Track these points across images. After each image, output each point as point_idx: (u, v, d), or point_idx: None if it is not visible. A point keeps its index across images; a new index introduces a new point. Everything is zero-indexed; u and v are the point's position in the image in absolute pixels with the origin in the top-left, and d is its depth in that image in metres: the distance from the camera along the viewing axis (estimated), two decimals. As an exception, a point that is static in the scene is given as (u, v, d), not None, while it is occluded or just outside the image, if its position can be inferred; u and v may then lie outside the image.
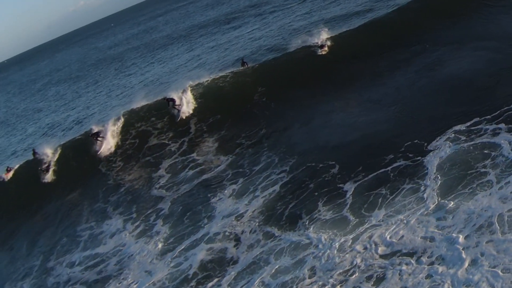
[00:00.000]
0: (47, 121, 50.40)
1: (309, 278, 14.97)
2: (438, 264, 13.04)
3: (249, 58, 37.68)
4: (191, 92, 31.44)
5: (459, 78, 21.95)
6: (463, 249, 13.08)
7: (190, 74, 39.96)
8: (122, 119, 32.27)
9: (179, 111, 29.72)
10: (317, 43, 29.79)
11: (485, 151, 16.60)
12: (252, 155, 25.48)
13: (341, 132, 22.71)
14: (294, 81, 28.43)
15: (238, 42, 48.24)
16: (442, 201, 15.33)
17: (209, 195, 23.64)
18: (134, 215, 25.36)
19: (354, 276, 14.12)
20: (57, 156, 32.09)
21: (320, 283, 14.52)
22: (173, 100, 30.15)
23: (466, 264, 12.55)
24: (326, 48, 28.97)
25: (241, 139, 27.54)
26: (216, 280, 17.53)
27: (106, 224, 25.87)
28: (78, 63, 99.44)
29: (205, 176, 25.66)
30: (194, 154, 28.47)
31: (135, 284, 19.51)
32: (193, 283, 17.98)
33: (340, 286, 14.08)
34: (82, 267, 22.92)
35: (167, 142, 29.94)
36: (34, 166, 31.93)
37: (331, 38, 30.25)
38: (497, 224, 13.32)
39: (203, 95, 31.23)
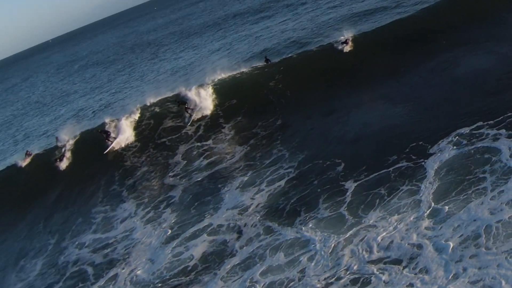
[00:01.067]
0: (79, 104, 51.03)
1: (299, 280, 14.76)
2: (422, 274, 12.68)
3: (275, 50, 37.35)
4: (212, 84, 31.00)
5: (470, 80, 21.39)
6: (446, 262, 12.73)
7: (219, 62, 39.69)
8: (142, 106, 32.23)
9: (191, 115, 29.30)
10: (341, 39, 29.12)
11: (485, 156, 16.19)
12: (265, 147, 25.33)
13: (352, 130, 22.39)
14: (314, 77, 28.01)
15: (268, 32, 47.87)
16: (435, 206, 14.97)
17: (219, 185, 23.60)
18: (146, 200, 25.52)
19: (341, 280, 13.84)
20: (77, 139, 32.29)
21: (304, 285, 14.42)
22: (184, 103, 29.66)
23: (449, 277, 12.11)
24: (350, 45, 28.35)
25: (257, 129, 27.43)
26: (212, 273, 17.51)
27: (119, 207, 26.11)
28: (116, 46, 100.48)
29: (217, 167, 25.66)
30: (210, 141, 28.50)
31: (137, 270, 19.64)
32: (190, 275, 17.98)
33: None
34: (91, 249, 23.18)
35: (183, 124, 29.89)
36: (53, 152, 32.16)
37: (355, 35, 29.66)
38: (483, 237, 12.90)
39: (225, 86, 30.96)
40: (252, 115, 28.17)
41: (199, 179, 25.23)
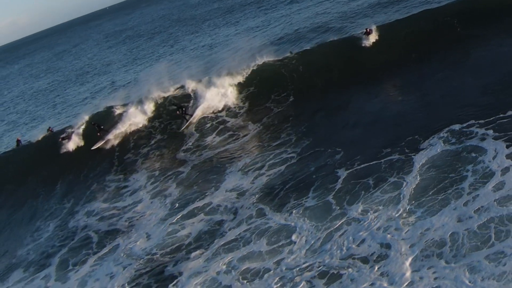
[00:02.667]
0: (118, 74, 51.16)
1: (273, 270, 14.60)
2: (383, 277, 12.30)
3: (305, 35, 35.95)
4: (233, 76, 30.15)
5: (478, 76, 20.56)
6: (407, 268, 12.34)
7: (251, 41, 39.03)
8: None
9: (187, 120, 27.93)
10: (364, 31, 27.37)
11: (471, 155, 15.68)
12: (275, 128, 25.08)
13: (357, 120, 21.87)
14: (333, 68, 27.04)
15: (302, 14, 46.54)
16: (411, 206, 14.51)
17: (226, 165, 23.49)
18: (157, 173, 25.70)
19: (310, 272, 13.68)
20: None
21: (277, 278, 14.20)
22: (181, 108, 28.27)
23: (406, 284, 11.68)
24: (372, 36, 26.76)
25: (271, 112, 27.05)
26: (199, 252, 17.51)
27: (132, 178, 26.40)
28: (163, 19, 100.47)
29: (228, 146, 25.58)
30: (223, 113, 28.33)
31: (133, 244, 19.70)
32: (179, 253, 18.02)
33: (294, 282, 13.58)
34: (98, 217, 23.50)
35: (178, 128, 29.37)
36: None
37: (377, 26, 27.91)
38: (447, 246, 12.41)
39: (250, 74, 30.04)
40: (270, 100, 27.62)
41: (208, 156, 25.18)
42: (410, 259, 12.48)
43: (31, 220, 26.64)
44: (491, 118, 16.90)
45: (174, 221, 20.15)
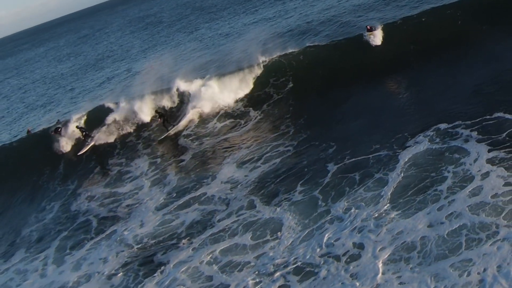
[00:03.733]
0: (131, 64, 51.22)
1: (253, 266, 14.77)
2: (353, 278, 12.44)
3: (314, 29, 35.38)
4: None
5: (472, 78, 20.26)
6: (375, 272, 12.37)
7: (265, 32, 38.67)
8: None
9: (167, 130, 27.12)
10: (368, 28, 26.51)
11: (454, 156, 15.66)
12: (274, 118, 25.18)
13: (353, 115, 21.78)
14: (335, 65, 26.49)
15: (317, 6, 45.79)
16: (388, 207, 14.54)
17: (224, 155, 23.71)
18: (158, 161, 25.91)
19: (287, 268, 13.90)
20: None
21: (255, 272, 14.38)
22: (163, 116, 27.29)
23: (370, 287, 11.60)
24: (374, 33, 25.86)
25: (271, 97, 27.11)
26: (188, 242, 17.76)
27: (134, 163, 26.75)
28: (184, 6, 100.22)
29: (228, 134, 25.69)
30: (229, 103, 27.97)
31: (128, 230, 20.09)
32: (169, 242, 18.34)
33: (271, 277, 13.74)
34: (99, 202, 23.81)
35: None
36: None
37: (383, 24, 27.08)
38: (415, 251, 12.44)
39: (262, 68, 29.25)
40: (271, 89, 27.50)
41: (209, 145, 25.37)
42: (379, 261, 12.54)
43: (36, 199, 27.26)
44: (478, 119, 16.84)
45: (169, 210, 20.49)
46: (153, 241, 18.70)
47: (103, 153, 28.49)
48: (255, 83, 27.85)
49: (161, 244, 18.30)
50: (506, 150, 14.75)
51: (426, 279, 11.43)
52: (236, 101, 27.31)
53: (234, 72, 29.08)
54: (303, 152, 20.66)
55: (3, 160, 31.12)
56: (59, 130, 30.13)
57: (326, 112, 23.31)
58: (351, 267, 12.77)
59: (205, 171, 22.68)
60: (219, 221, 18.07)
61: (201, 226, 18.44)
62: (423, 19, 25.51)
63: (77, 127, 29.29)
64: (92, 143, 28.56)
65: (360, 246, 13.35)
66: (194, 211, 19.77)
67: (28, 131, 33.82)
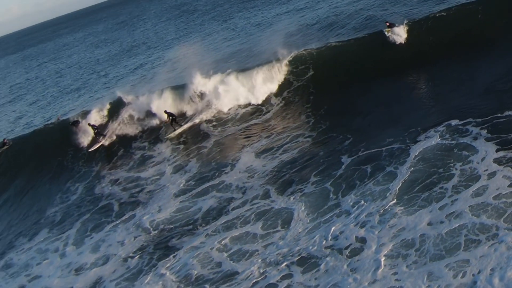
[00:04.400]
0: (163, 52, 51.40)
1: (261, 254, 15.09)
2: (353, 272, 12.65)
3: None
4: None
5: (489, 75, 19.96)
6: (372, 267, 12.55)
7: (293, 23, 38.51)
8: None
9: (174, 129, 27.19)
10: (387, 24, 26.12)
11: (463, 153, 15.68)
12: (296, 107, 25.39)
13: (371, 109, 21.87)
14: (357, 59, 26.14)
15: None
16: (394, 203, 14.69)
17: (245, 143, 24.19)
18: (181, 147, 26.31)
19: (293, 259, 14.15)
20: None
21: (261, 260, 14.70)
22: (172, 116, 27.40)
23: (370, 282, 12.03)
24: (394, 29, 25.39)
25: (296, 93, 26.84)
26: (203, 228, 18.24)
27: (156, 148, 27.36)
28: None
29: (250, 122, 25.96)
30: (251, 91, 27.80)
31: (147, 215, 20.51)
32: (184, 228, 18.73)
33: (276, 266, 14.07)
34: (121, 187, 24.38)
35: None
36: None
37: (404, 20, 26.40)
38: (414, 249, 12.58)
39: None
40: (295, 83, 27.39)
41: (230, 132, 25.73)
42: (378, 257, 12.76)
43: (62, 180, 28.13)
44: (488, 117, 16.84)
45: (187, 197, 20.92)
46: (170, 226, 19.15)
47: (126, 136, 29.10)
48: (277, 75, 27.79)
49: (177, 229, 18.77)
50: None
51: (421, 277, 11.61)
52: (259, 90, 27.10)
53: (258, 65, 29.03)
54: (320, 143, 20.93)
55: (33, 143, 31.96)
56: (77, 123, 30.67)
57: (345, 104, 23.39)
58: (352, 261, 13.02)
59: (225, 159, 23.04)
60: (233, 209, 18.42)
61: (217, 214, 18.79)
62: (444, 15, 25.34)
63: (89, 124, 29.60)
64: (102, 141, 28.79)
65: (363, 241, 13.61)
66: (211, 199, 20.12)
67: (58, 118, 34.51)
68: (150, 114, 29.38)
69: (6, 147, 32.31)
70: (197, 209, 19.74)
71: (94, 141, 29.26)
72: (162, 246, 18.17)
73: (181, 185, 22.12)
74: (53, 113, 40.80)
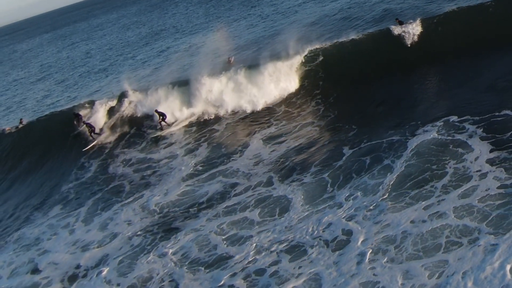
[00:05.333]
0: (190, 39, 51.52)
1: (252, 239, 15.55)
2: (335, 265, 12.98)
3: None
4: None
5: (496, 73, 19.89)
6: (354, 260, 12.88)
7: (313, 13, 38.27)
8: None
9: (162, 129, 27.43)
10: (397, 20, 25.82)
11: (458, 150, 15.76)
12: (307, 94, 25.55)
13: (378, 101, 22.05)
14: (372, 54, 25.70)
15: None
16: (383, 199, 14.91)
17: (255, 128, 24.51)
18: (194, 129, 26.84)
19: (281, 246, 14.63)
20: None
21: (254, 246, 15.20)
22: (162, 115, 27.47)
23: (349, 275, 12.37)
24: (403, 26, 25.00)
25: (307, 80, 26.81)
26: (205, 212, 18.79)
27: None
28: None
29: (260, 107, 26.14)
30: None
31: (155, 197, 21.01)
32: (188, 212, 19.15)
33: (267, 252, 14.53)
34: (133, 168, 25.03)
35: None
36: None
37: (414, 18, 25.79)
38: (393, 245, 12.87)
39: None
40: (308, 71, 27.19)
41: (240, 117, 26.18)
42: (360, 252, 13.11)
43: (76, 156, 28.90)
44: (486, 116, 16.92)
45: (194, 181, 21.39)
46: (175, 209, 19.78)
47: (140, 116, 29.68)
48: (292, 67, 27.42)
49: (181, 212, 19.23)
50: (509, 150, 14.83)
51: (397, 275, 11.90)
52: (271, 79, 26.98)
53: (271, 55, 28.85)
54: (327, 133, 21.33)
55: (50, 121, 32.82)
56: (79, 116, 31.04)
57: (354, 95, 23.45)
58: (336, 254, 13.41)
59: (234, 144, 23.68)
60: (235, 195, 18.95)
61: (220, 198, 19.33)
62: (455, 12, 24.94)
63: (84, 122, 29.71)
64: (97, 141, 28.85)
65: (349, 234, 13.97)
66: (217, 183, 20.66)
67: (21, 122, 34.18)
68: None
69: (21, 125, 33.42)
70: (203, 193, 20.22)
71: (90, 140, 29.26)
72: (165, 228, 18.77)
73: (190, 169, 22.62)
74: (79, 93, 41.57)
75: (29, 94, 50.73)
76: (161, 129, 27.49)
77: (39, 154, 30.29)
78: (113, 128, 29.59)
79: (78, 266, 18.29)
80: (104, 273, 17.06)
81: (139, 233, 18.96)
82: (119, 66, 49.12)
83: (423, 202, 13.97)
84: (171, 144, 26.05)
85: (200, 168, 22.29)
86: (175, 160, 24.28)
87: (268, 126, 23.77)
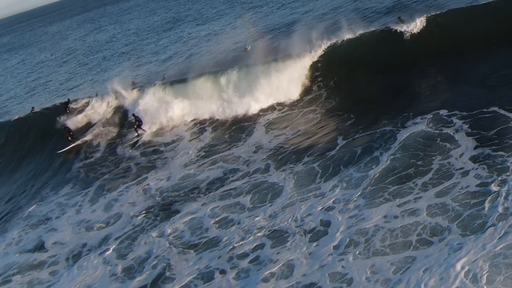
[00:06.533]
0: (211, 26, 51.63)
1: (240, 224, 16.18)
2: (309, 254, 13.52)
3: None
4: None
5: (492, 70, 19.76)
6: (327, 252, 13.34)
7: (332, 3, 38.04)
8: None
9: (138, 135, 27.16)
10: (399, 18, 25.67)
11: (442, 144, 16.00)
12: (310, 83, 25.23)
13: (378, 93, 21.94)
14: (374, 50, 25.20)
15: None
16: (364, 193, 15.30)
17: (260, 115, 24.47)
18: (200, 111, 27.03)
19: (262, 231, 15.31)
20: None
21: (241, 230, 15.84)
22: (138, 121, 27.33)
23: (320, 266, 12.85)
24: (405, 24, 24.61)
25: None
26: (202, 197, 19.53)
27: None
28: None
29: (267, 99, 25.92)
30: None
31: (152, 182, 21.52)
32: (186, 196, 19.78)
33: (253, 236, 15.26)
34: (140, 151, 25.66)
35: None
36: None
37: (417, 16, 24.94)
38: (364, 239, 13.32)
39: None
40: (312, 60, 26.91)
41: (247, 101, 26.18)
42: (335, 243, 13.59)
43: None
44: (474, 112, 17.07)
45: (196, 166, 22.15)
46: (175, 192, 20.45)
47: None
48: (301, 58, 27.06)
49: (181, 196, 19.76)
50: (492, 147, 15.02)
51: (366, 268, 12.37)
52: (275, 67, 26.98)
53: (281, 49, 28.70)
54: (325, 122, 21.75)
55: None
56: (68, 106, 31.43)
57: (355, 85, 23.51)
58: (312, 243, 14.01)
59: (238, 131, 24.30)
60: (232, 181, 19.49)
61: (218, 184, 19.87)
62: (460, 10, 24.58)
63: (62, 126, 29.58)
64: (73, 145, 28.66)
65: (327, 225, 14.55)
66: (217, 169, 21.28)
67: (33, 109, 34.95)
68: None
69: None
70: (203, 178, 20.81)
71: (66, 143, 29.01)
72: (165, 210, 19.70)
73: (194, 154, 23.05)
74: (99, 77, 42.18)
75: (54, 76, 51.79)
76: (137, 135, 27.32)
77: (51, 134, 30.94)
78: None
79: (83, 245, 19.09)
80: (107, 252, 17.73)
81: (140, 214, 19.66)
82: (140, 51, 49.59)
83: (400, 199, 14.29)
84: (177, 126, 26.64)
85: (201, 155, 23.00)
86: (181, 144, 24.88)
87: (271, 112, 24.12)
